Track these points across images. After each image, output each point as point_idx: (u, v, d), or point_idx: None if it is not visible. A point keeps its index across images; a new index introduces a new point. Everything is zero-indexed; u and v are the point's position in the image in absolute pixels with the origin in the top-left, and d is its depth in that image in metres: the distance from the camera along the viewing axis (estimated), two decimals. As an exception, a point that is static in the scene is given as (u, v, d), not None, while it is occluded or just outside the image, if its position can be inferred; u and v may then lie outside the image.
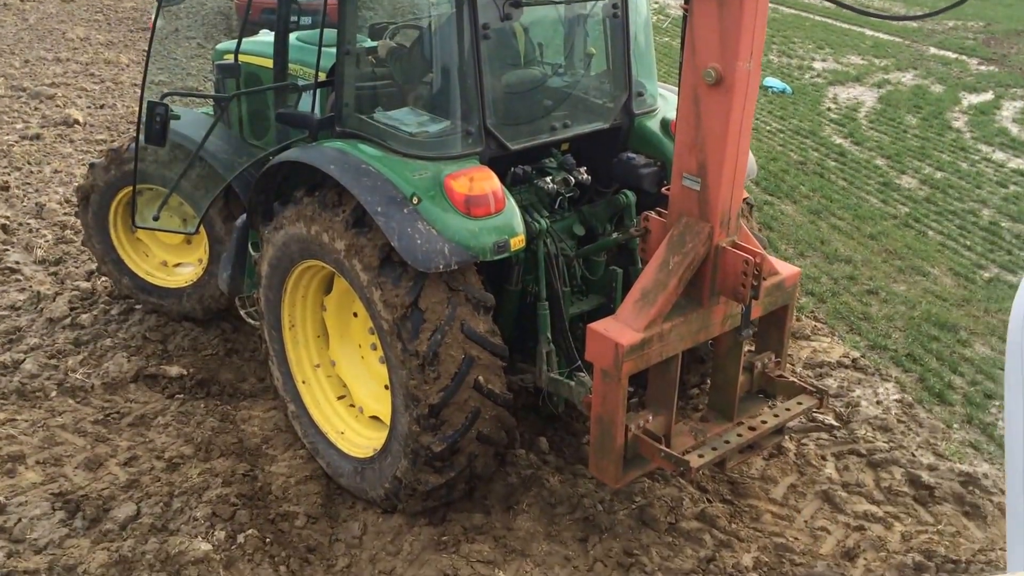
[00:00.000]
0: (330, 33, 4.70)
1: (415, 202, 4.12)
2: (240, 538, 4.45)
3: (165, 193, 5.58)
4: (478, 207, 4.17)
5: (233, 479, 4.85)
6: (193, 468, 4.95)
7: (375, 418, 4.97)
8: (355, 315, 4.96)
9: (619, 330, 3.94)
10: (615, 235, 4.97)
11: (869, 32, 19.63)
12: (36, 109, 11.13)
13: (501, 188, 4.29)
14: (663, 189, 4.37)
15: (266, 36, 5.85)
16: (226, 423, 5.38)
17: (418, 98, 4.79)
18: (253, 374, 5.91)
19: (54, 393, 5.56)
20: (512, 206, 4.32)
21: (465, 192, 4.16)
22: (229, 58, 5.71)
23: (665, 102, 5.21)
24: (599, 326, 4.00)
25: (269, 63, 5.47)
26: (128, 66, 13.59)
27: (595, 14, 5.02)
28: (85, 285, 6.75)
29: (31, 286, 6.74)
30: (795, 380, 4.67)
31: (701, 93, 3.84)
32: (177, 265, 6.44)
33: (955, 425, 5.85)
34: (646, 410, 4.25)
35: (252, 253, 5.35)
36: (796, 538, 4.74)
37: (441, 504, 4.68)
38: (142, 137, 4.93)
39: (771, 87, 13.95)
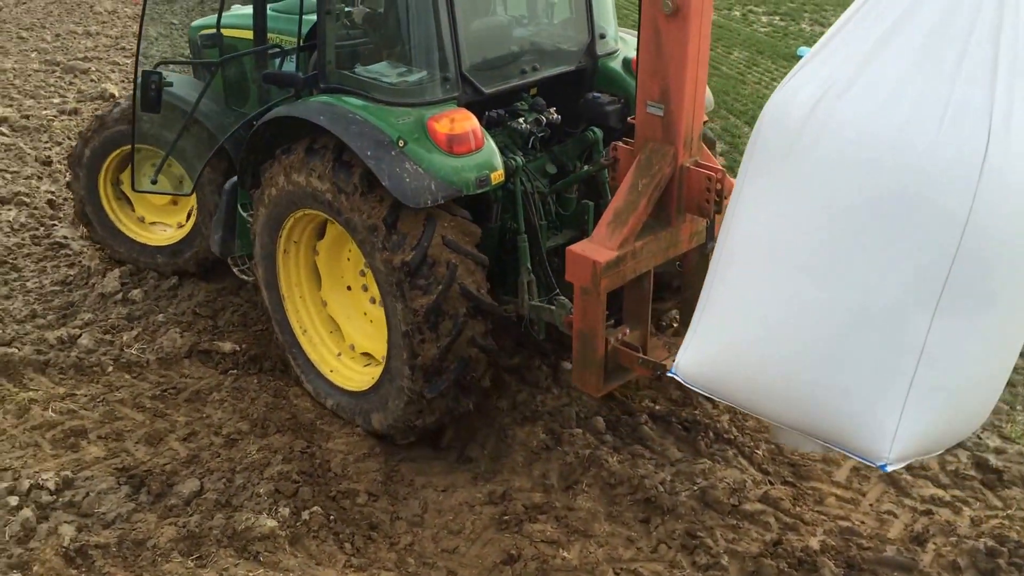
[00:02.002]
0: (295, 3, 5.25)
1: (401, 145, 4.41)
2: (304, 515, 4.45)
3: (152, 154, 5.94)
4: (460, 145, 4.47)
5: (292, 456, 4.85)
6: (251, 444, 4.96)
7: None
8: (348, 288, 5.26)
9: (595, 250, 4.27)
10: (586, 168, 5.20)
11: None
12: (71, 84, 11.12)
13: (480, 127, 4.59)
14: (629, 119, 4.65)
15: (238, 9, 6.04)
16: (279, 399, 5.38)
17: (396, 51, 4.99)
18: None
19: (111, 368, 5.58)
20: (491, 144, 4.62)
21: (447, 132, 4.47)
22: (205, 33, 6.06)
23: (625, 44, 5.50)
24: (577, 247, 4.32)
25: (244, 34, 5.74)
26: (157, 39, 13.52)
27: None
28: (134, 261, 6.74)
29: (81, 261, 6.76)
30: None
31: (660, 23, 4.15)
32: (188, 219, 6.57)
33: (1018, 407, 5.77)
34: (623, 325, 4.59)
35: (242, 214, 5.58)
36: (862, 522, 4.69)
37: (460, 342, 4.58)
38: (138, 105, 5.31)
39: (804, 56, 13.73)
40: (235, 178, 5.50)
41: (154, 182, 5.92)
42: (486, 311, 4.62)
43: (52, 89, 10.85)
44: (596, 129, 5.25)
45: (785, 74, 3.56)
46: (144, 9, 5.61)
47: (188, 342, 5.80)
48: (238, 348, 5.79)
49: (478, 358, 4.70)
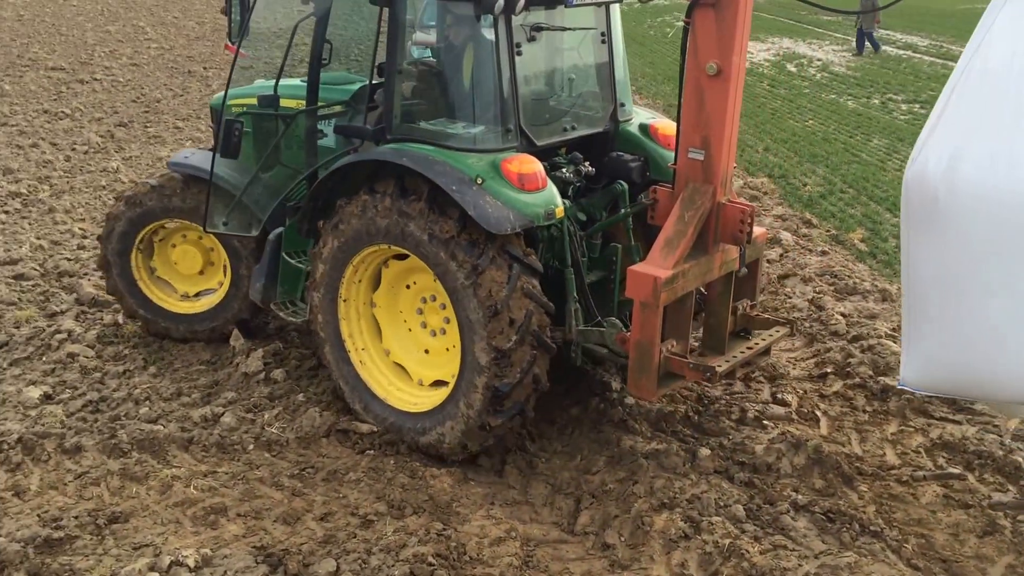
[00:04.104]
0: (335, 75, 6.30)
1: (479, 182, 5.09)
2: (440, 599, 4.40)
3: (184, 227, 6.80)
4: (530, 183, 5.19)
5: (428, 538, 4.82)
6: (388, 525, 4.96)
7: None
8: (410, 330, 5.85)
9: (654, 268, 4.98)
10: (623, 210, 5.91)
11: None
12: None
13: (543, 170, 5.29)
14: (670, 165, 5.45)
15: (261, 83, 6.70)
16: (416, 480, 5.39)
17: (463, 105, 5.69)
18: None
19: (251, 446, 5.71)
20: (552, 185, 5.34)
21: (518, 171, 5.18)
22: (233, 103, 6.66)
23: (637, 114, 6.33)
24: (637, 267, 5.04)
25: (291, 103, 6.28)
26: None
27: (589, 40, 6.10)
28: (276, 342, 6.98)
29: (226, 341, 7.02)
30: (769, 316, 5.98)
31: (703, 83, 5.01)
32: (222, 279, 6.98)
33: None
34: (669, 339, 5.19)
35: (288, 260, 6.23)
36: (1027, 625, 4.35)
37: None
38: (219, 151, 6.01)
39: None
40: (279, 229, 6.22)
41: (225, 224, 6.38)
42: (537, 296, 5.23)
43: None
44: (622, 182, 5.93)
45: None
46: (232, 69, 6.17)
47: (327, 422, 5.89)
48: (374, 428, 5.85)
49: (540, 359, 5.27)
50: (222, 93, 6.91)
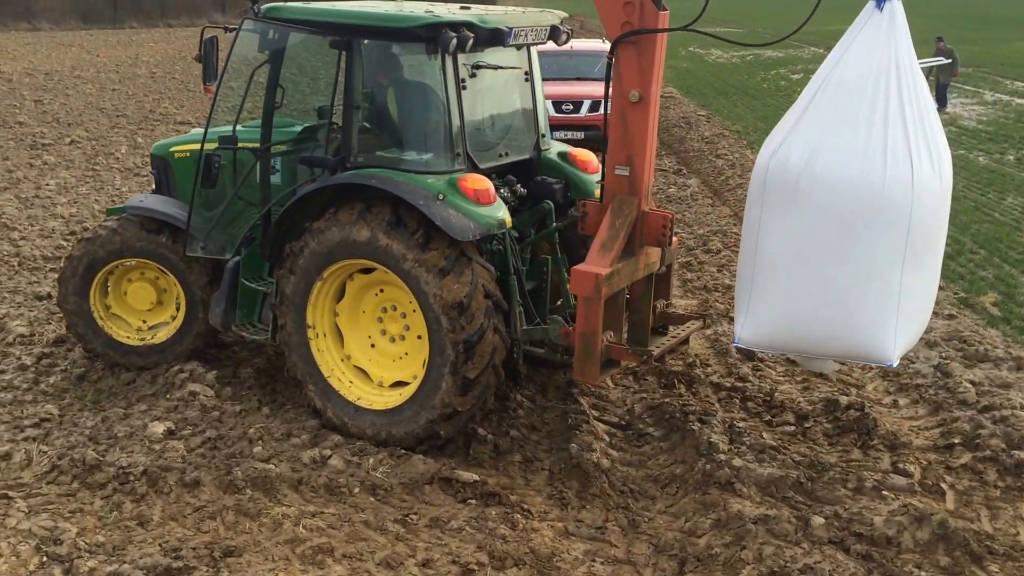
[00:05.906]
0: (278, 119, 6.85)
1: (441, 198, 5.83)
2: (538, 655, 4.30)
3: (141, 266, 7.38)
4: (483, 197, 5.96)
5: (528, 592, 4.76)
6: (487, 576, 4.91)
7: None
8: (372, 346, 6.50)
9: (595, 267, 5.70)
10: (554, 224, 6.69)
11: None
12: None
13: (493, 186, 6.06)
14: (598, 181, 6.42)
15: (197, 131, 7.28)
16: (517, 532, 5.33)
17: (416, 132, 6.53)
18: (547, 486, 5.93)
19: (357, 490, 5.75)
20: (500, 200, 6.13)
21: (473, 187, 5.95)
22: (176, 150, 7.45)
23: (554, 143, 7.19)
24: (580, 266, 5.74)
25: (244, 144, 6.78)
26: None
27: (515, 78, 6.93)
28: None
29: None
30: (684, 313, 7.08)
31: (627, 109, 5.84)
32: (174, 313, 7.49)
33: None
34: (607, 330, 5.90)
35: (248, 285, 6.79)
36: None
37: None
38: (199, 182, 6.77)
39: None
40: (236, 258, 6.81)
41: (203, 248, 6.95)
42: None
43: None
44: (549, 202, 6.69)
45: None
46: (212, 108, 6.85)
47: (431, 469, 5.89)
48: (477, 479, 5.84)
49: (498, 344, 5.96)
50: (162, 141, 7.80)
